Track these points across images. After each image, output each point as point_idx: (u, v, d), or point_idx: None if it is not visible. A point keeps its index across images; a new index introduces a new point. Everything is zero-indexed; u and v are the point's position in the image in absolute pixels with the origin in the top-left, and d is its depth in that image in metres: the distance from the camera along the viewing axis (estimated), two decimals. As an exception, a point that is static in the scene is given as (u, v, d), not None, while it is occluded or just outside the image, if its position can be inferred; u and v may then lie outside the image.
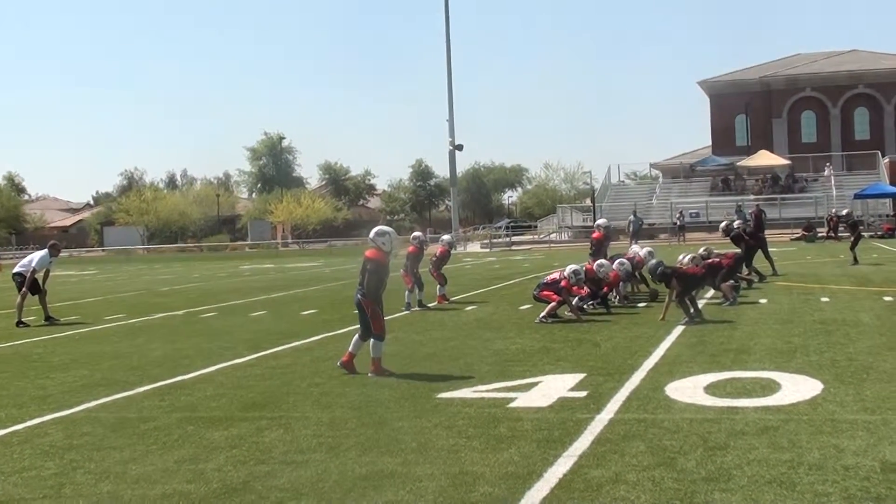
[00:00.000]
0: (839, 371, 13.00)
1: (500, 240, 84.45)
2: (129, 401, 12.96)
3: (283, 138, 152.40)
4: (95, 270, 63.61)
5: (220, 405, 12.35)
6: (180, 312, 26.39)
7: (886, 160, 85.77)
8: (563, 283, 20.56)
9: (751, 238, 29.54)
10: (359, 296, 14.36)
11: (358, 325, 14.70)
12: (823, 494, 7.56)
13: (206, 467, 9.18)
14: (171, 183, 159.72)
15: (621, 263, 22.77)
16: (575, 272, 20.80)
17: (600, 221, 26.73)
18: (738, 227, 29.22)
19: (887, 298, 22.25)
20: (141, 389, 13.74)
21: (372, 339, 14.19)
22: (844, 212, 48.19)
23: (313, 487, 8.34)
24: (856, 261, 34.53)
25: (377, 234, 14.69)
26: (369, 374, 13.97)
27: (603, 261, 22.56)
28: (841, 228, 57.64)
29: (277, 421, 11.17)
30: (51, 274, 25.94)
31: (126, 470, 9.22)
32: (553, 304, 20.34)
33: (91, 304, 31.13)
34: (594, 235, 26.07)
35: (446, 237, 28.83)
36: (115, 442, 10.45)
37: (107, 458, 9.73)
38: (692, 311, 19.09)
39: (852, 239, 36.93)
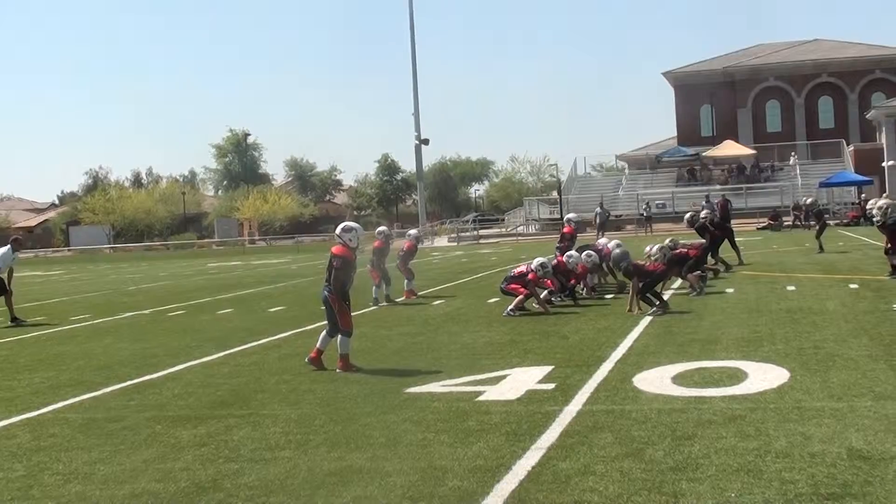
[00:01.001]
0: (806, 359, 13.08)
1: (467, 234, 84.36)
2: (97, 401, 12.91)
3: (249, 135, 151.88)
4: (61, 270, 63.25)
5: (188, 404, 12.32)
6: (147, 311, 26.28)
7: (851, 148, 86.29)
8: (530, 276, 20.60)
9: (716, 228, 29.65)
10: (326, 292, 14.35)
11: (325, 322, 14.68)
12: (790, 482, 7.60)
13: (174, 466, 9.15)
14: (137, 181, 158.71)
15: (589, 255, 22.81)
16: (542, 265, 20.84)
17: (570, 216, 26.74)
18: (703, 218, 29.31)
19: (853, 286, 22.38)
20: (108, 389, 13.69)
21: (339, 336, 14.18)
22: (809, 200, 48.46)
23: (282, 484, 8.33)
24: (821, 249, 34.73)
25: (343, 230, 14.69)
26: (337, 371, 13.96)
27: (573, 252, 22.59)
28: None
29: (246, 419, 11.15)
30: (14, 273, 25.69)
31: (94, 470, 9.19)
32: (520, 297, 20.37)
33: (57, 305, 30.96)
34: (565, 230, 26.07)
35: (413, 232, 28.82)
36: (82, 442, 10.41)
37: (75, 458, 9.69)
38: (657, 303, 19.16)
39: (818, 227, 37.17)
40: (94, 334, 21.22)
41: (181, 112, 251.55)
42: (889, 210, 18.01)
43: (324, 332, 14.54)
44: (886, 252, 23.81)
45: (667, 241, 22.93)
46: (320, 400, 12.07)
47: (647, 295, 19.30)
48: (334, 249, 14.51)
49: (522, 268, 21.30)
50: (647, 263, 20.28)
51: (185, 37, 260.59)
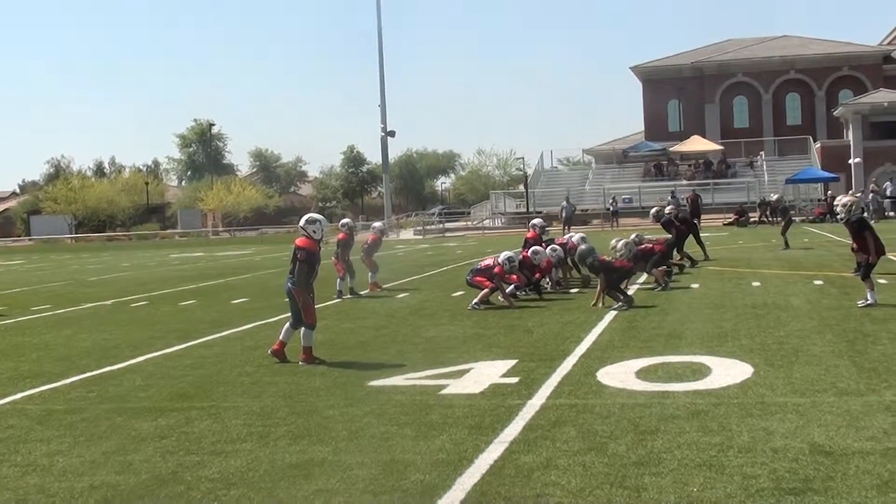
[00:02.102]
0: (769, 355, 13.12)
1: (433, 226, 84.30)
2: (57, 392, 12.80)
3: (213, 125, 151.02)
4: (22, 260, 62.81)
5: (149, 395, 12.23)
6: (109, 302, 26.10)
7: (818, 145, 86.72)
8: (496, 270, 20.57)
9: (682, 223, 29.73)
10: (289, 284, 14.29)
11: (289, 314, 14.60)
12: (752, 476, 7.61)
13: (134, 458, 9.07)
14: (99, 171, 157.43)
15: (553, 249, 22.82)
16: (509, 259, 20.80)
17: (535, 221, 26.64)
18: (668, 213, 29.37)
19: (818, 282, 22.48)
20: (68, 381, 13.58)
21: (303, 328, 14.11)
22: (775, 197, 48.66)
23: (243, 477, 8.28)
24: (787, 245, 34.89)
25: (307, 221, 14.64)
26: (300, 363, 13.89)
27: (538, 248, 22.56)
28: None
29: (207, 411, 11.08)
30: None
31: (53, 462, 9.10)
32: (485, 290, 20.35)
33: (18, 295, 30.70)
34: (528, 234, 25.91)
35: (377, 224, 28.73)
36: (41, 434, 10.30)
37: (33, 450, 9.60)
38: (622, 298, 19.18)
39: (783, 224, 37.38)
40: (54, 325, 21.05)
41: (145, 101, 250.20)
42: (853, 207, 18.07)
43: (287, 325, 14.47)
44: (852, 249, 23.91)
45: (632, 236, 22.93)
46: (282, 392, 12.00)
47: (613, 290, 19.32)
48: (298, 241, 14.45)
49: (489, 261, 21.28)
50: (613, 259, 20.30)
51: (150, 26, 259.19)
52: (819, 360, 12.61)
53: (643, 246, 22.87)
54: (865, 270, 18.06)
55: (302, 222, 14.77)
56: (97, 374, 14.00)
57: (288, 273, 14.58)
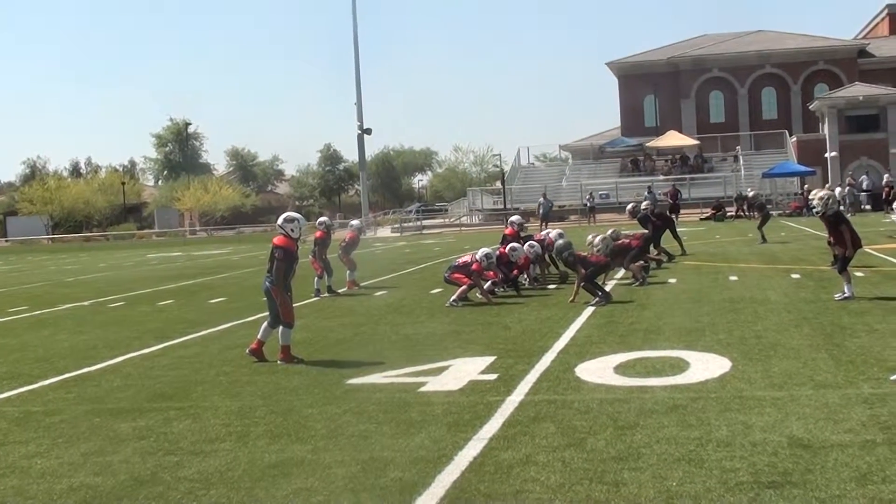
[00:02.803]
0: (747, 349, 13.16)
1: (410, 224, 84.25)
2: (35, 394, 12.75)
3: (189, 124, 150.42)
4: None
5: (127, 396, 12.19)
6: (86, 303, 26.01)
7: (794, 139, 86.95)
8: (474, 266, 20.58)
9: (658, 219, 29.81)
10: (267, 283, 14.25)
11: (267, 313, 14.57)
12: (731, 470, 7.63)
13: (113, 459, 9.04)
14: (76, 171, 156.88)
15: (531, 246, 22.83)
16: (487, 255, 20.81)
17: (514, 218, 26.59)
18: (644, 209, 29.44)
19: (795, 276, 22.57)
20: (46, 382, 13.53)
21: (281, 327, 14.09)
22: (752, 193, 48.83)
23: (222, 477, 8.26)
24: (764, 239, 35.00)
25: (285, 220, 14.61)
26: (278, 362, 13.87)
27: (515, 244, 22.56)
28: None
29: (186, 411, 11.05)
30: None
31: (31, 464, 9.07)
32: (463, 287, 20.35)
33: (-5, 296, 30.55)
34: (507, 231, 25.88)
35: (355, 222, 28.65)
36: (19, 436, 10.27)
37: (11, 452, 9.55)
38: (600, 294, 19.21)
39: (760, 218, 37.52)
40: (31, 326, 20.97)
41: (121, 101, 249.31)
42: (829, 201, 18.13)
43: (265, 324, 14.44)
44: (829, 243, 24.02)
45: (609, 231, 22.96)
46: (261, 392, 11.98)
47: (590, 285, 19.35)
48: (276, 240, 14.40)
49: (467, 258, 21.27)
50: (590, 254, 20.32)
51: (126, 25, 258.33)
52: (797, 353, 12.65)
53: (620, 241, 22.92)
54: (842, 263, 18.12)
55: (280, 221, 14.73)
56: (75, 376, 13.94)
57: (266, 272, 14.54)
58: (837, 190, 18.39)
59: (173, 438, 9.74)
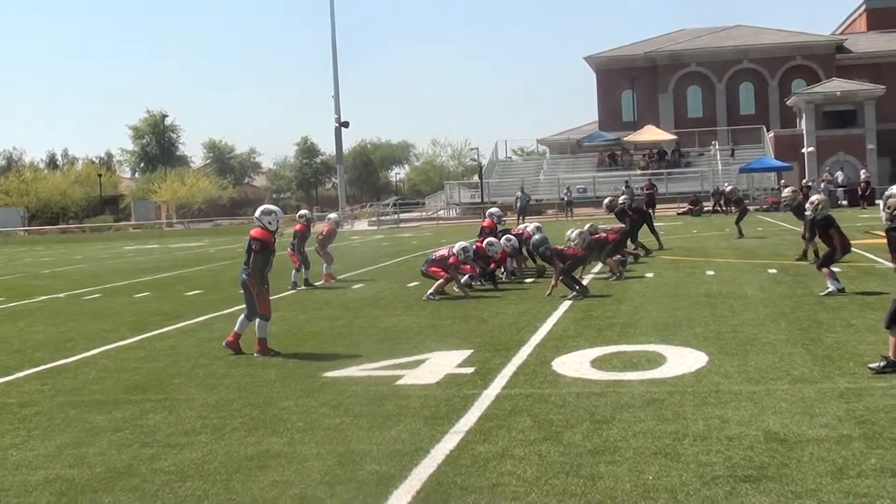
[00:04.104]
0: (724, 343, 13.19)
1: (387, 217, 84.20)
2: (10, 386, 12.70)
3: (166, 116, 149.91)
4: (-25, 253, 62.21)
5: (103, 388, 12.15)
6: (62, 295, 25.90)
7: (771, 134, 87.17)
8: (451, 260, 20.57)
9: (636, 213, 29.89)
10: (244, 275, 14.21)
11: (244, 306, 14.53)
12: (707, 464, 7.64)
13: (88, 451, 9.01)
14: (52, 163, 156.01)
15: (508, 240, 22.84)
16: (464, 249, 20.79)
17: (493, 210, 26.54)
18: (622, 203, 29.51)
19: (771, 271, 22.63)
20: (22, 374, 13.48)
21: (257, 320, 14.05)
22: (729, 188, 48.96)
23: (198, 469, 8.24)
24: (741, 234, 35.12)
25: (263, 212, 14.57)
26: (255, 355, 13.85)
27: (492, 239, 22.55)
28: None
29: (162, 403, 11.01)
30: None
31: (6, 456, 9.03)
32: (440, 280, 20.34)
33: (-30, 288, 30.39)
34: (485, 223, 25.82)
35: (333, 215, 28.63)
36: (-6, 428, 10.21)
37: (-15, 444, 9.50)
38: (577, 288, 19.23)
39: (737, 213, 37.64)
40: (7, 318, 20.88)
41: (97, 93, 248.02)
42: (819, 206, 18.19)
43: (242, 316, 14.41)
44: (803, 237, 24.22)
45: (586, 226, 22.97)
46: (237, 384, 11.95)
47: (566, 279, 19.37)
48: (253, 232, 14.36)
49: (443, 251, 21.27)
50: (567, 248, 20.33)
51: (102, 15, 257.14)
52: (773, 348, 12.69)
53: (597, 235, 22.93)
54: (823, 260, 18.13)
55: (257, 213, 14.70)
56: (51, 368, 13.89)
57: (243, 264, 14.49)
58: (817, 196, 18.43)
59: (149, 431, 9.71)
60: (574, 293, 19.02)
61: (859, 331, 13.72)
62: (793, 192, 28.11)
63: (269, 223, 14.38)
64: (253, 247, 14.18)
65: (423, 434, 8.99)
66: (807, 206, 18.67)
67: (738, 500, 6.84)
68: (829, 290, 17.68)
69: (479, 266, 21.85)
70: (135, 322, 18.69)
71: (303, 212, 26.79)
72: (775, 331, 14.07)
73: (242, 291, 14.44)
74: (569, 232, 21.27)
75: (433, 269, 20.88)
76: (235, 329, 14.38)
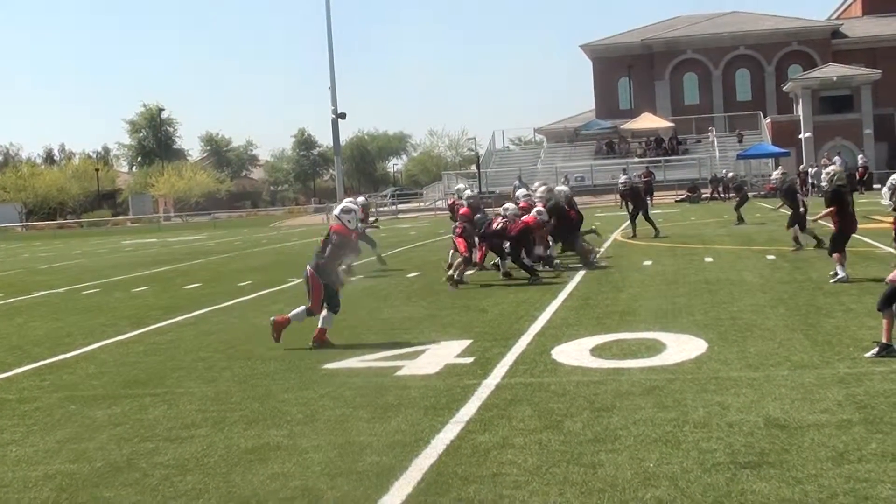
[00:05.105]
0: (723, 330, 13.18)
1: (385, 208, 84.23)
2: (9, 382, 12.67)
3: (163, 110, 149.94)
4: (-27, 249, 62.18)
5: (102, 383, 12.13)
6: (61, 290, 25.87)
7: (768, 120, 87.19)
8: (529, 221, 20.87)
9: (634, 198, 30.24)
10: (310, 267, 13.96)
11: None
12: (708, 451, 7.63)
13: (88, 446, 8.99)
14: (49, 158, 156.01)
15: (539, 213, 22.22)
16: (539, 211, 21.49)
17: (466, 192, 25.96)
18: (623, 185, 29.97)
19: (770, 257, 22.62)
20: (21, 370, 13.45)
21: (302, 308, 13.94)
22: (730, 174, 49.00)
23: (198, 462, 8.22)
24: (741, 220, 35.11)
25: (343, 211, 14.56)
26: (311, 345, 13.63)
27: (509, 205, 22.12)
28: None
29: (161, 397, 10.99)
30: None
31: (6, 452, 9.02)
32: (460, 259, 20.41)
33: (-32, 284, 30.36)
34: (462, 211, 25.09)
35: (361, 199, 27.72)
36: (-7, 424, 10.20)
37: (-15, 440, 9.49)
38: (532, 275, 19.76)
39: (738, 199, 37.58)
40: (6, 314, 20.86)
41: (94, 87, 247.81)
42: (834, 177, 17.99)
43: (324, 312, 14.02)
44: (788, 226, 24.26)
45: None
46: (237, 377, 11.94)
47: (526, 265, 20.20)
48: (334, 226, 14.28)
49: (500, 221, 21.13)
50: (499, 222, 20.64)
51: (97, 10, 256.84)
52: (773, 334, 12.68)
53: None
54: (833, 245, 17.92)
55: (336, 211, 14.68)
56: (50, 363, 13.87)
57: (314, 254, 14.22)
58: (833, 167, 18.32)
59: (149, 425, 9.70)
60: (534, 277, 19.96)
61: (859, 315, 13.71)
62: (783, 173, 28.05)
63: (349, 222, 14.35)
64: (333, 239, 14.02)
65: (424, 424, 8.98)
66: (823, 175, 18.60)
67: (738, 486, 6.83)
68: (839, 276, 17.50)
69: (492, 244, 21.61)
70: (133, 316, 18.67)
71: (360, 199, 26.71)
72: (774, 317, 14.06)
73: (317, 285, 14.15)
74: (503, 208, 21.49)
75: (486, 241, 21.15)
76: (320, 325, 13.99)
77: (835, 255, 17.78)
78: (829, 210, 17.89)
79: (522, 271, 20.38)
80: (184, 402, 10.63)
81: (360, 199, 28.34)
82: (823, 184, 18.59)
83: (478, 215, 22.02)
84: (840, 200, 17.82)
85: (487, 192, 68.73)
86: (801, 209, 23.99)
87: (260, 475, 7.77)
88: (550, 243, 22.93)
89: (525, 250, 20.88)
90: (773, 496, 6.60)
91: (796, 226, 23.83)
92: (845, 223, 17.80)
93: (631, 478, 7.14)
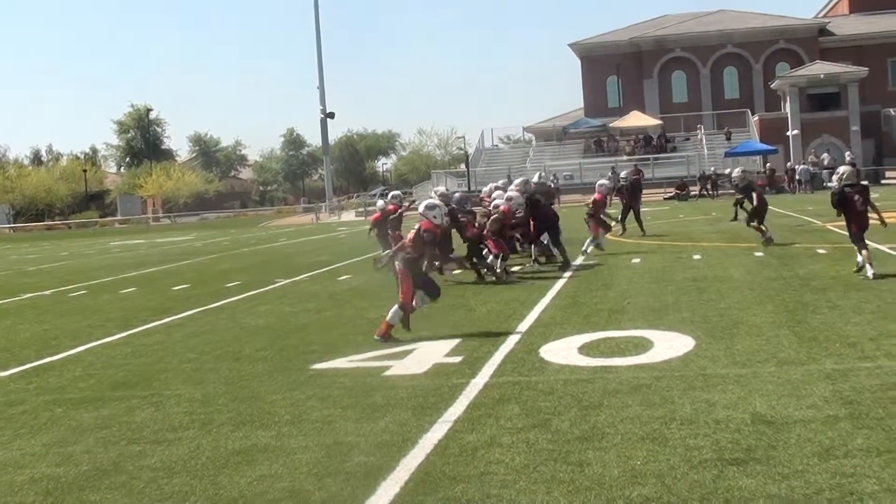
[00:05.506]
0: (710, 327, 13.20)
1: (374, 208, 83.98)
2: (-5, 384, 12.64)
3: (151, 110, 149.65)
4: (-39, 252, 62.02)
5: (89, 385, 12.10)
6: (48, 292, 25.80)
7: (756, 118, 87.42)
8: (597, 197, 22.64)
9: (627, 196, 30.51)
10: (399, 264, 14.21)
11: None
12: (695, 448, 7.64)
13: (75, 450, 8.96)
14: (37, 159, 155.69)
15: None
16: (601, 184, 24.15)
17: (438, 189, 25.78)
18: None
19: (758, 254, 22.66)
20: (7, 372, 13.41)
21: (396, 305, 13.98)
22: (738, 172, 49.11)
23: (185, 465, 8.20)
24: (736, 217, 35.31)
25: (427, 207, 14.76)
26: (375, 337, 13.72)
27: (512, 194, 22.08)
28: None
29: (148, 399, 10.96)
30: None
31: (-8, 456, 8.98)
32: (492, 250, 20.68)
33: (-44, 287, 30.27)
34: (389, 208, 24.76)
35: (397, 192, 27.20)
36: (-20, 427, 10.17)
37: (-29, 444, 9.46)
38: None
39: (738, 197, 37.63)
40: (-7, 316, 20.79)
41: (81, 88, 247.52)
42: (844, 176, 17.75)
43: (395, 306, 14.09)
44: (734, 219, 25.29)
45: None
46: (224, 379, 11.91)
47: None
48: (423, 223, 14.44)
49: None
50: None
51: (85, 10, 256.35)
52: (760, 330, 12.71)
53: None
54: (853, 240, 17.52)
55: (421, 208, 14.89)
56: (37, 366, 13.82)
57: (402, 252, 14.38)
58: (843, 167, 18.36)
59: (136, 427, 9.67)
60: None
61: (845, 312, 13.74)
62: (742, 171, 28.51)
63: (434, 217, 14.52)
64: (425, 237, 14.22)
65: (411, 424, 8.97)
66: (833, 178, 18.76)
67: (725, 483, 6.84)
68: (866, 273, 16.94)
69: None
70: (121, 318, 18.62)
71: (395, 192, 26.49)
72: (762, 313, 14.08)
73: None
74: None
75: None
76: (414, 304, 14.28)
77: (863, 252, 17.35)
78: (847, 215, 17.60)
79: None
80: (171, 405, 10.61)
81: (396, 192, 27.38)
82: (833, 183, 18.53)
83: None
84: (846, 202, 17.49)
85: (476, 190, 68.66)
86: (759, 204, 25.10)
87: (247, 477, 7.76)
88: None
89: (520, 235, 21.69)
90: (760, 492, 6.61)
91: (755, 221, 24.87)
92: (857, 219, 17.37)
93: (618, 476, 7.14)
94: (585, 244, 24.58)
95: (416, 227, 14.46)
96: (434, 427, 8.81)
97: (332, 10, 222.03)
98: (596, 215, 25.01)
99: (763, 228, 24.87)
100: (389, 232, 23.77)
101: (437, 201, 15.38)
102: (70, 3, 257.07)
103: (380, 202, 26.19)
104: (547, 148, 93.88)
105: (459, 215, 21.32)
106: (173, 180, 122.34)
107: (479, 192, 25.30)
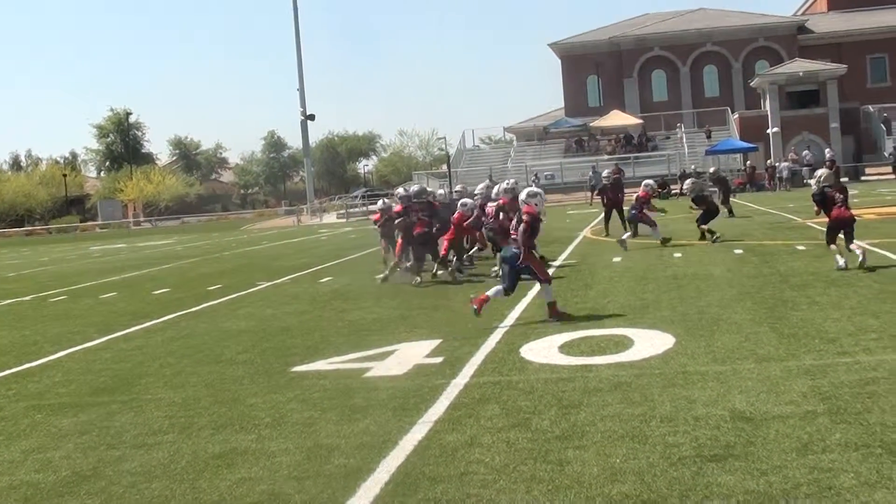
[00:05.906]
0: (690, 324, 13.23)
1: (356, 209, 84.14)
2: (-26, 391, 12.58)
3: (130, 114, 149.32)
4: (-59, 258, 61.76)
5: (68, 391, 12.05)
6: (28, 298, 25.68)
7: (736, 116, 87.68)
8: (642, 195, 23.99)
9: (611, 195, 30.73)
10: (514, 248, 14.85)
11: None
12: (674, 445, 7.66)
13: (54, 455, 8.93)
14: (16, 164, 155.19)
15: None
16: (647, 184, 25.72)
17: (398, 191, 25.62)
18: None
19: (738, 251, 22.72)
20: (-14, 379, 13.35)
21: (543, 286, 14.90)
22: (711, 169, 49.39)
23: (165, 469, 8.18)
24: (731, 214, 35.58)
25: (529, 195, 15.36)
26: (550, 320, 14.37)
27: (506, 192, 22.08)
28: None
29: (128, 404, 10.93)
30: None
31: (-30, 463, 8.94)
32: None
33: (-65, 294, 30.14)
34: (397, 209, 24.51)
35: (400, 190, 26.85)
36: (-42, 434, 10.12)
37: (-50, 451, 9.42)
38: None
39: (722, 194, 37.80)
40: (-28, 323, 20.69)
41: (60, 91, 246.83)
42: (821, 178, 18.50)
43: (499, 293, 15.00)
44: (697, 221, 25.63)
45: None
46: (204, 382, 11.89)
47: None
48: (525, 208, 15.03)
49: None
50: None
51: (63, 13, 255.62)
52: (739, 327, 12.74)
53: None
54: (827, 233, 18.44)
55: (523, 195, 15.44)
56: (16, 372, 13.77)
57: (511, 239, 15.22)
58: (821, 170, 18.87)
59: (115, 432, 9.64)
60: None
61: (824, 308, 13.80)
62: (693, 183, 29.19)
63: (536, 204, 15.13)
64: (524, 219, 14.80)
65: (392, 426, 8.97)
66: (812, 181, 19.12)
67: (704, 479, 6.85)
68: (838, 264, 17.73)
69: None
70: (101, 323, 18.56)
71: (399, 190, 26.35)
72: (741, 310, 14.12)
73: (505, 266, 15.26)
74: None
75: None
76: (548, 299, 14.92)
77: (832, 246, 18.10)
78: (819, 211, 18.49)
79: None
80: (151, 409, 10.58)
81: (415, 187, 26.67)
82: (812, 182, 18.93)
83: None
84: (825, 201, 18.22)
85: (479, 193, 68.67)
86: (713, 209, 26.77)
87: (227, 480, 7.74)
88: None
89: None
90: (738, 488, 6.63)
91: (706, 223, 26.11)
92: (834, 219, 18.07)
93: (597, 474, 7.15)
94: (624, 236, 26.34)
95: (517, 215, 15.36)
96: (414, 428, 8.81)
97: (311, 13, 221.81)
98: (641, 211, 26.81)
99: (711, 232, 25.97)
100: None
101: (538, 189, 15.93)
102: (48, 7, 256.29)
103: (380, 203, 26.06)
104: (528, 148, 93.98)
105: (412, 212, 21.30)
106: (154, 184, 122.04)
107: (475, 194, 24.91)
